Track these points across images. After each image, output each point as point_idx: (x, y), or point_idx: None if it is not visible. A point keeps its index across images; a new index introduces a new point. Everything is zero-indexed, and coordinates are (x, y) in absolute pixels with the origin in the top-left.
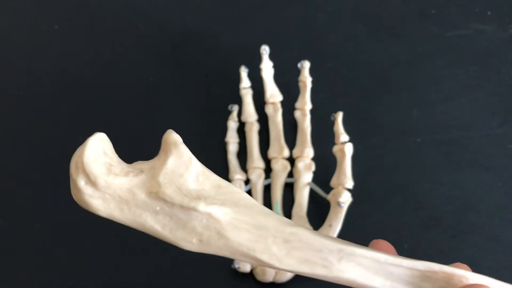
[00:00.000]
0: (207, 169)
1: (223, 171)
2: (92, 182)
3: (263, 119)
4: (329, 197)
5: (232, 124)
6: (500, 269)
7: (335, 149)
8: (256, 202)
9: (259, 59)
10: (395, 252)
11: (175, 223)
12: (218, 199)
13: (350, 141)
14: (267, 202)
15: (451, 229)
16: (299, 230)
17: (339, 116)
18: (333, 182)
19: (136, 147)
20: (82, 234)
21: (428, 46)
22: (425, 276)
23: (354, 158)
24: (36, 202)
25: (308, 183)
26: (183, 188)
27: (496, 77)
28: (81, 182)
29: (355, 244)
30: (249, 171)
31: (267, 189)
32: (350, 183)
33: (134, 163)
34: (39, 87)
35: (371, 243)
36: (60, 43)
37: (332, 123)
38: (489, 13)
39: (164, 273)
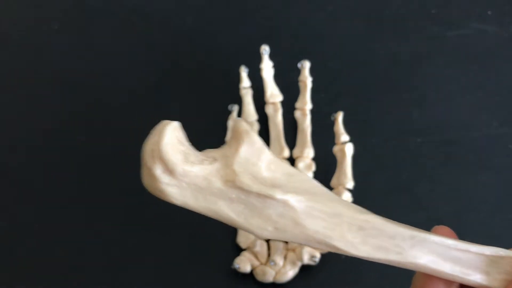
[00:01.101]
0: (278, 158)
1: None
2: (169, 171)
3: (263, 119)
4: None
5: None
6: None
7: (335, 149)
8: (327, 190)
9: (259, 59)
10: (457, 237)
11: (250, 211)
12: (291, 187)
13: (350, 141)
14: None
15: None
16: (372, 217)
17: (339, 116)
18: (333, 182)
19: (136, 147)
20: (82, 234)
21: (428, 46)
22: (492, 261)
23: (354, 158)
24: (36, 202)
25: None
26: (258, 177)
27: (496, 77)
28: (158, 171)
29: (424, 231)
30: None
31: None
32: (350, 183)
33: (205, 151)
34: (39, 87)
35: (433, 229)
36: (60, 43)
37: (332, 123)
38: (489, 13)
39: (164, 273)
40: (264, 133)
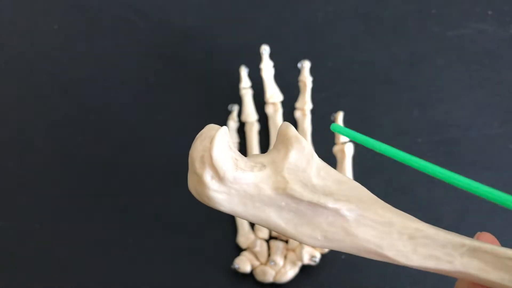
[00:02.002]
0: (327, 164)
1: None
2: (219, 177)
3: (263, 119)
4: None
5: (232, 124)
6: None
7: (336, 149)
8: (377, 198)
9: (259, 59)
10: (499, 244)
11: (299, 219)
12: (342, 194)
13: (350, 141)
14: None
15: (451, 229)
16: (424, 226)
17: (339, 116)
18: None
19: (136, 147)
20: (82, 234)
21: (428, 46)
22: None
23: (355, 158)
24: (36, 202)
25: None
26: (309, 184)
27: (497, 77)
28: (208, 177)
29: (473, 239)
30: None
31: None
32: None
33: (252, 156)
34: (39, 87)
35: (476, 236)
36: (60, 43)
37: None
38: (489, 12)
39: (164, 273)
40: (264, 133)
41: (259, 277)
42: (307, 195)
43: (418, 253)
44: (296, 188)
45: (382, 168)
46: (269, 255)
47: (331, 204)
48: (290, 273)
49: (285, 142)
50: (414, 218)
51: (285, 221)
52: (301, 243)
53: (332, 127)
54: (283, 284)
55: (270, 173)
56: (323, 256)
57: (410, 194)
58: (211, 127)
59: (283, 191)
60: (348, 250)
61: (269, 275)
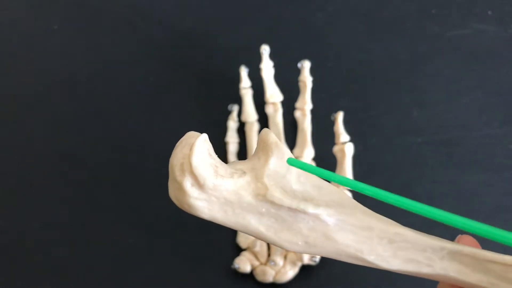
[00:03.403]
0: None
1: None
2: (199, 185)
3: (263, 119)
4: None
5: (232, 124)
6: None
7: (336, 149)
8: (357, 203)
9: (259, 59)
10: (480, 247)
11: (279, 224)
12: (322, 200)
13: (350, 141)
14: None
15: (451, 229)
16: (403, 230)
17: (339, 116)
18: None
19: (136, 147)
20: (82, 234)
21: (428, 46)
22: None
23: (355, 158)
24: (36, 202)
25: None
26: (288, 190)
27: (496, 77)
28: (188, 185)
29: (453, 242)
30: None
31: None
32: None
33: (233, 162)
34: (39, 87)
35: (457, 239)
36: (60, 43)
37: (332, 123)
38: (489, 12)
39: (165, 273)
40: None
41: (259, 277)
42: (287, 201)
43: (398, 257)
44: (276, 194)
45: (382, 168)
46: (269, 255)
47: (311, 209)
48: (290, 273)
49: (265, 149)
50: (394, 223)
51: (266, 227)
52: (282, 248)
53: (288, 161)
54: (283, 284)
55: (250, 179)
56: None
57: (410, 194)
58: (191, 135)
59: (263, 198)
60: (329, 255)
61: (269, 275)
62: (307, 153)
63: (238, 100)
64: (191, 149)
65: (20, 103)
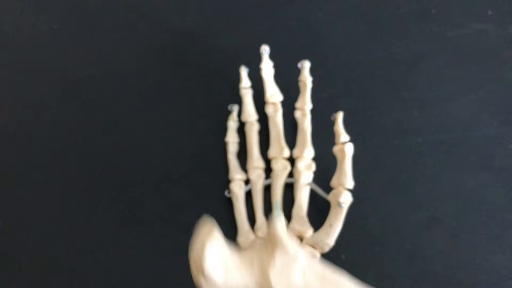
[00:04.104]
0: (311, 259)
1: (223, 171)
2: (211, 282)
3: (263, 119)
4: (330, 197)
5: (232, 124)
6: (500, 269)
7: (336, 149)
8: None
9: (259, 59)
10: None
11: None
12: None
13: (350, 141)
14: (267, 202)
15: (451, 229)
16: None
17: (339, 116)
18: (334, 182)
19: (136, 147)
20: (82, 234)
21: (428, 46)
22: None
23: (355, 158)
24: (36, 202)
25: (308, 183)
26: (292, 285)
27: (497, 77)
28: (202, 280)
29: None
30: (249, 171)
31: (267, 189)
32: (350, 183)
33: (242, 253)
34: (39, 87)
35: None
36: (60, 43)
37: (332, 123)
38: (490, 12)
39: (165, 273)
40: (264, 133)
41: None
42: None
43: None
44: None
45: (382, 168)
46: None
47: None
48: None
49: (272, 241)
50: None
51: None
52: None
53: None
54: None
55: (257, 275)
56: (323, 256)
57: (410, 194)
58: (206, 233)
59: None
60: None
61: None
62: (307, 153)
63: (238, 100)
64: (202, 253)
65: (20, 103)
